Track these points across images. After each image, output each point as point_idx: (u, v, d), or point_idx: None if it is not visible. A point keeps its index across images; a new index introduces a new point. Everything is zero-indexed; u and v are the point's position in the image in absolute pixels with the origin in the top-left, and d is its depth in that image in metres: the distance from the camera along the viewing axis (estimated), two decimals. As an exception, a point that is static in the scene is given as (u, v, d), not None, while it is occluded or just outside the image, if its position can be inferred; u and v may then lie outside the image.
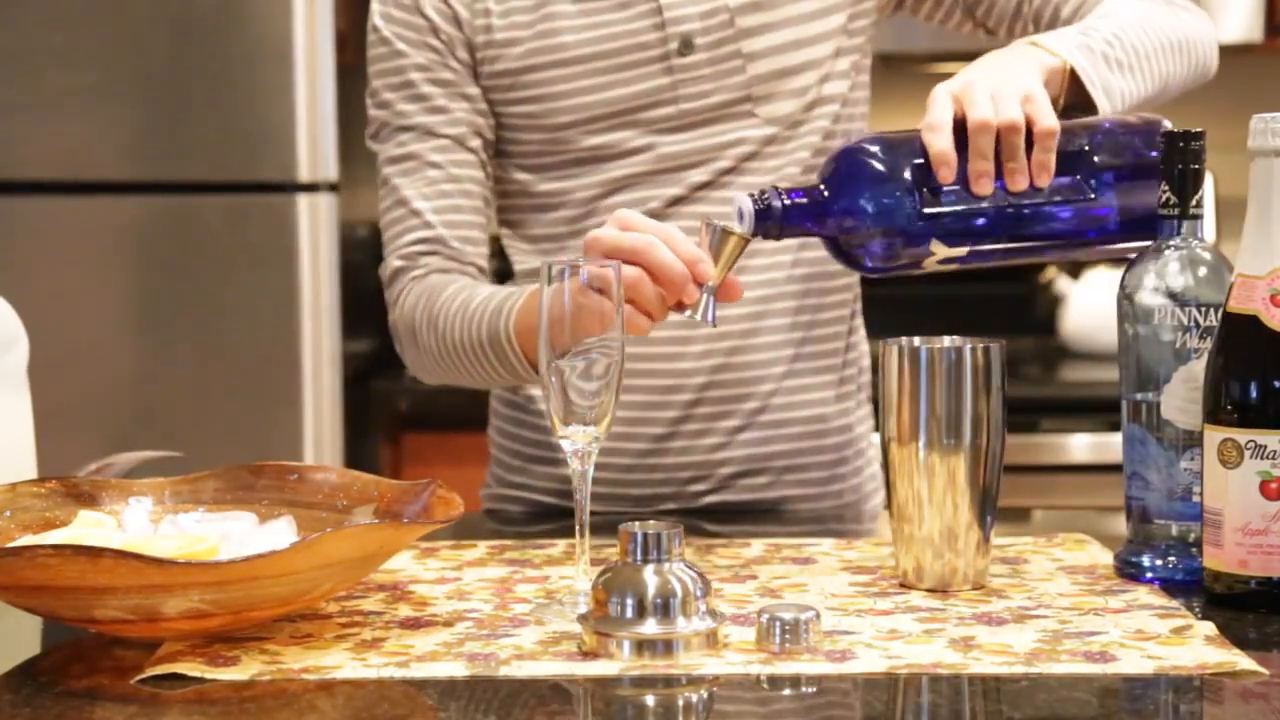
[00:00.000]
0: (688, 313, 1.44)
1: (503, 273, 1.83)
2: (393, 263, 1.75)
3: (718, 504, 1.78)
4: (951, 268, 1.50)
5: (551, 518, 1.79)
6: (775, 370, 1.77)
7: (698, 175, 1.73)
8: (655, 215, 1.67)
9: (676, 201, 1.73)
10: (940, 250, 1.47)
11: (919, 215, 1.46)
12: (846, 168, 1.47)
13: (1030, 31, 1.76)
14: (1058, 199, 1.50)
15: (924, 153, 1.45)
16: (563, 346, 1.33)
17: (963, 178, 1.46)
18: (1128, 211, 1.53)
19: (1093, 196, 1.51)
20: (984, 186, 1.46)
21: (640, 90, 1.71)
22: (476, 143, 1.75)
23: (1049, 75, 1.52)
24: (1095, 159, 1.51)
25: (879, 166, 1.46)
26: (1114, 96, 1.56)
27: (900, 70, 3.05)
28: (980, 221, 1.48)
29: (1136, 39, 1.60)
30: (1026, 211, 1.49)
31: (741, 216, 1.46)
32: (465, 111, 1.74)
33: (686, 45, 1.71)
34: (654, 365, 1.75)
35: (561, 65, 1.71)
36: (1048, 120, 1.46)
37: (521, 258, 1.81)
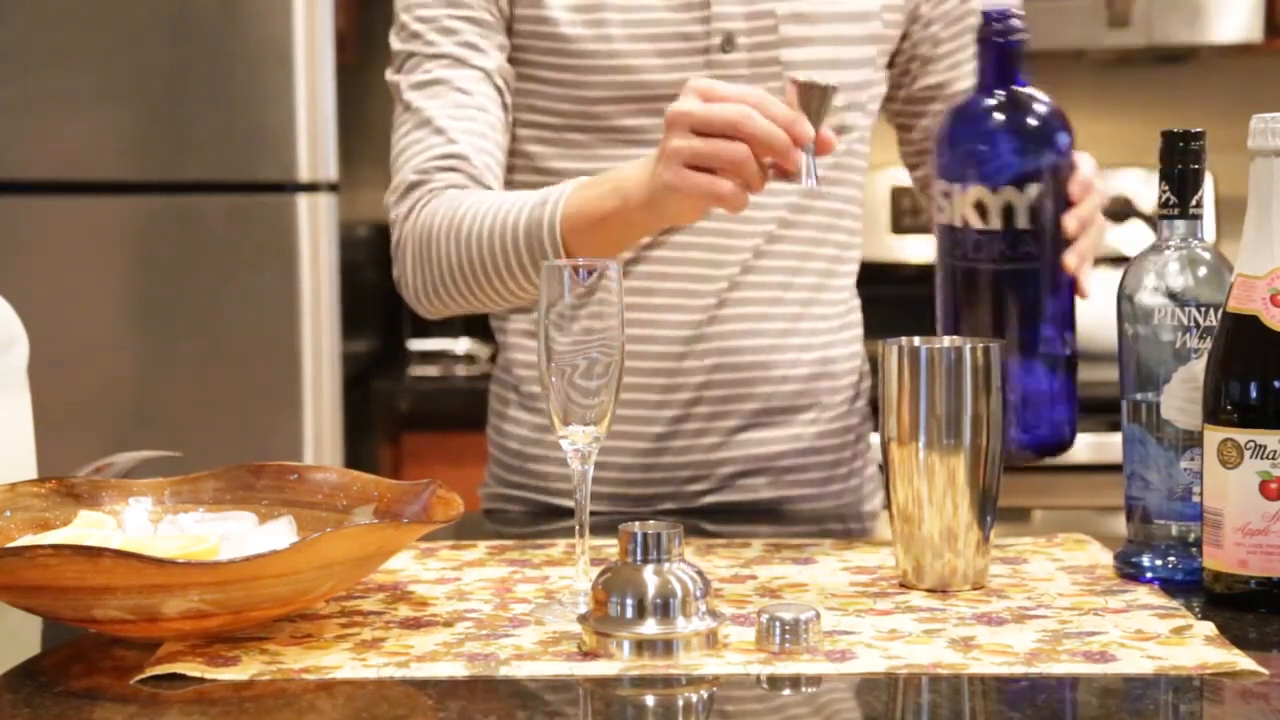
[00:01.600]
0: (793, 181, 1.44)
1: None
2: (408, 176, 1.70)
3: (716, 504, 1.78)
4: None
5: (551, 517, 1.79)
6: (775, 372, 1.77)
7: None
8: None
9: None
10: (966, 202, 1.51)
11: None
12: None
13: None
14: None
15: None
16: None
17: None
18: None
19: None
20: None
21: (678, 79, 1.70)
22: (502, 84, 1.73)
23: None
24: None
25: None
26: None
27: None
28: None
29: None
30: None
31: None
32: (496, 53, 1.72)
33: (729, 42, 1.71)
34: (655, 364, 1.75)
35: (604, 40, 1.70)
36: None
37: None
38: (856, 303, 1.87)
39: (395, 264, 1.71)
